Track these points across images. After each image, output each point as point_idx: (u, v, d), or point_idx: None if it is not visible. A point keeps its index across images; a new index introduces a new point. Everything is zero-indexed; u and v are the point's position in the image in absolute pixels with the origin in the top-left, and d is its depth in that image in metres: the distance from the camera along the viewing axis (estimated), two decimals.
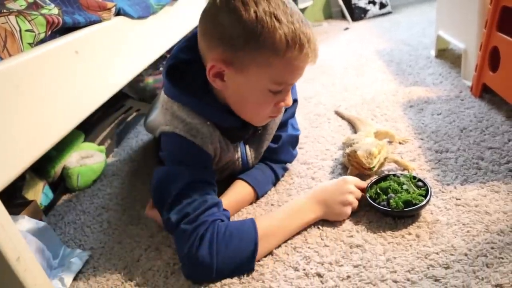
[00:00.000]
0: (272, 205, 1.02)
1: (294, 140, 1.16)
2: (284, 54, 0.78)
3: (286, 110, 1.09)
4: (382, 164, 1.01)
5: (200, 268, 0.80)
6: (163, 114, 0.96)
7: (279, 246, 0.87)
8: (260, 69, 0.81)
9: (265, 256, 0.85)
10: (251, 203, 1.05)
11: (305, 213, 0.90)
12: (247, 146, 1.05)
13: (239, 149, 1.04)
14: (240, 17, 0.76)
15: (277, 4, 0.78)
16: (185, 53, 0.92)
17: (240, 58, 0.80)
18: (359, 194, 0.93)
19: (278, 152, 1.11)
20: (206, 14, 0.84)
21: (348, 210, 0.90)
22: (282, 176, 1.13)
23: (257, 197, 1.06)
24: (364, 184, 0.95)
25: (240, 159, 1.05)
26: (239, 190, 1.04)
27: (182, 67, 0.92)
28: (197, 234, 0.80)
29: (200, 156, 0.92)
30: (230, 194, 1.02)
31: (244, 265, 0.81)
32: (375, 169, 0.99)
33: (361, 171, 1.02)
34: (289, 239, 0.88)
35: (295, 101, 1.11)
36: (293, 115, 1.16)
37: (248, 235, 0.82)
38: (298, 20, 0.79)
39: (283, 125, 1.11)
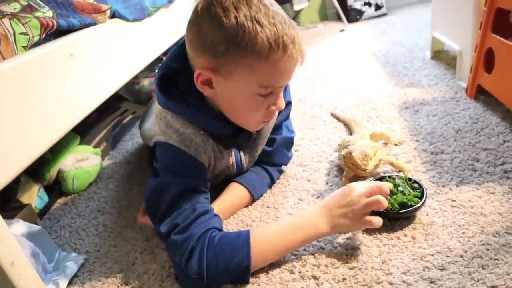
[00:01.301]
0: (268, 207, 1.02)
1: (289, 143, 1.16)
2: (268, 57, 0.78)
3: (280, 112, 1.08)
4: (377, 166, 1.01)
5: (191, 279, 0.78)
6: (157, 124, 0.96)
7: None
8: (245, 73, 0.80)
9: None
10: (246, 206, 1.04)
11: (307, 227, 0.82)
12: (241, 151, 1.05)
13: (233, 154, 1.03)
14: (221, 24, 0.76)
15: (258, 8, 0.77)
16: (176, 62, 0.91)
17: (224, 64, 0.80)
18: (371, 202, 0.80)
19: (273, 155, 1.11)
20: (191, 23, 0.84)
21: (359, 224, 0.81)
22: (278, 178, 1.13)
23: (253, 200, 1.05)
24: (375, 188, 0.82)
25: (234, 164, 1.05)
26: (235, 193, 1.04)
27: (173, 76, 0.91)
28: (187, 246, 0.79)
29: (193, 166, 0.92)
30: (225, 197, 1.02)
31: (238, 279, 0.80)
32: (370, 169, 0.98)
33: (357, 173, 1.02)
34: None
35: (289, 103, 1.11)
36: (287, 117, 1.16)
37: (241, 252, 0.79)
38: (281, 22, 0.78)
39: (277, 127, 1.11)
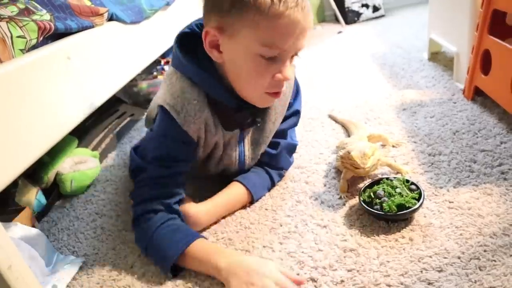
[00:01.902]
0: (266, 209, 1.02)
1: (292, 148, 1.17)
2: (269, 11, 0.78)
3: (287, 120, 1.11)
4: (375, 167, 1.01)
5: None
6: (161, 88, 0.99)
7: (273, 251, 0.87)
8: (248, 32, 0.81)
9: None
10: (244, 207, 1.05)
11: (208, 265, 0.84)
12: (246, 145, 1.05)
13: (237, 149, 1.04)
14: None
15: None
16: (199, 27, 0.94)
17: (229, 23, 0.82)
18: None
19: (277, 158, 1.11)
20: None
21: None
22: (278, 182, 1.13)
23: (252, 201, 1.06)
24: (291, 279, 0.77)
25: (237, 160, 1.06)
26: (235, 192, 1.04)
27: (192, 39, 0.93)
28: (140, 216, 0.93)
29: (179, 136, 0.94)
30: (224, 194, 1.03)
31: (163, 267, 0.88)
32: (368, 169, 0.98)
33: (355, 173, 1.01)
34: (281, 243, 0.88)
35: (297, 112, 1.14)
36: (293, 126, 1.17)
37: (170, 253, 0.85)
38: None
39: (283, 133, 1.12)
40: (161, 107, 0.94)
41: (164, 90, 0.96)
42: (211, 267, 0.82)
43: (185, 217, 0.95)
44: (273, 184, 1.11)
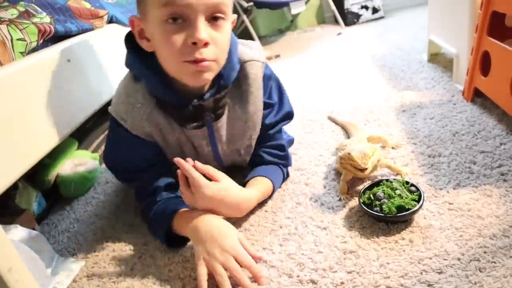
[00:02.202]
0: (266, 211, 1.02)
1: (291, 144, 1.20)
2: None
3: (279, 124, 1.11)
4: (375, 167, 1.01)
5: None
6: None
7: (273, 253, 0.87)
8: (150, 2, 0.82)
9: (260, 263, 0.85)
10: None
11: (187, 231, 0.90)
12: (218, 141, 1.05)
13: (209, 144, 1.04)
14: None
15: None
16: None
17: (142, 5, 0.85)
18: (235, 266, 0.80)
19: (286, 158, 1.13)
20: None
21: (201, 269, 0.81)
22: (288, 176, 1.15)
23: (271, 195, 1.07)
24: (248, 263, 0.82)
25: (212, 154, 1.07)
26: (266, 185, 1.04)
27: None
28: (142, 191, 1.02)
29: (134, 141, 0.98)
30: (260, 185, 1.03)
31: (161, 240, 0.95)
32: (369, 171, 0.98)
33: (355, 174, 1.01)
34: (281, 245, 0.89)
35: (288, 114, 1.13)
36: (279, 121, 1.12)
37: (162, 227, 0.93)
38: None
39: (279, 132, 1.13)
40: (110, 114, 0.97)
41: (115, 95, 0.99)
42: (188, 234, 0.89)
43: (231, 202, 0.93)
44: (283, 180, 1.13)
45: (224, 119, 1.02)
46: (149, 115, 0.94)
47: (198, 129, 1.00)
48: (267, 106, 1.06)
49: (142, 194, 1.03)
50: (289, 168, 1.17)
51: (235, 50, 0.97)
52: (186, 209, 0.94)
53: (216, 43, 0.85)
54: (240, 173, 1.12)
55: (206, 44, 0.83)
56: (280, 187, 1.11)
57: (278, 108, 1.10)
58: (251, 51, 1.02)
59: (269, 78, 1.06)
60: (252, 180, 1.04)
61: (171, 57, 0.85)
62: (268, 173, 1.06)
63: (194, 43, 0.82)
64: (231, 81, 0.97)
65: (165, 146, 1.03)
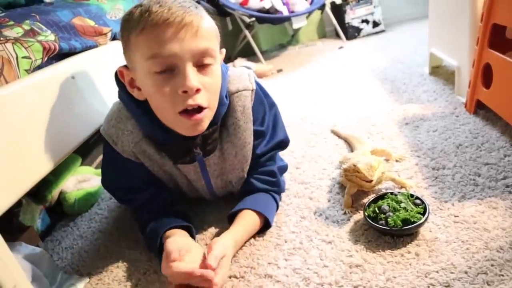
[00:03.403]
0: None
1: (284, 170, 1.14)
2: (138, 26, 0.80)
3: (273, 150, 1.08)
4: (380, 180, 1.01)
5: None
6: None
7: (279, 268, 0.86)
8: (137, 54, 0.83)
9: (265, 278, 0.84)
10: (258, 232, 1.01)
11: None
12: (211, 175, 1.04)
13: (202, 178, 1.04)
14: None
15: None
16: None
17: (128, 55, 0.87)
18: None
19: (278, 184, 1.08)
20: None
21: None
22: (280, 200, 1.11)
23: (268, 225, 1.01)
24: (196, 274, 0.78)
25: (205, 188, 1.08)
26: (249, 219, 0.98)
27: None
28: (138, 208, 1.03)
29: (125, 163, 0.99)
30: (242, 224, 0.97)
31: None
32: (374, 183, 0.97)
33: (361, 186, 1.01)
34: (287, 260, 0.88)
35: (281, 143, 1.09)
36: (281, 150, 1.11)
37: (154, 245, 0.94)
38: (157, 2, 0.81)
39: (270, 159, 1.09)
40: (103, 138, 0.99)
41: (107, 115, 1.00)
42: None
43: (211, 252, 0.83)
44: (277, 208, 1.08)
45: (215, 154, 1.00)
46: (136, 144, 0.95)
47: (190, 164, 0.99)
48: (258, 134, 1.03)
49: (138, 213, 1.05)
50: (293, 182, 1.17)
51: (224, 84, 0.95)
52: (175, 229, 0.97)
53: (207, 88, 0.85)
54: (234, 200, 1.07)
55: (197, 91, 0.83)
56: (274, 215, 1.05)
57: (270, 136, 1.07)
58: (239, 79, 1.00)
59: (261, 103, 1.03)
60: (239, 215, 0.98)
61: (164, 108, 0.86)
62: (257, 205, 1.00)
63: (185, 92, 0.82)
64: (220, 118, 0.97)
65: (157, 173, 1.02)
